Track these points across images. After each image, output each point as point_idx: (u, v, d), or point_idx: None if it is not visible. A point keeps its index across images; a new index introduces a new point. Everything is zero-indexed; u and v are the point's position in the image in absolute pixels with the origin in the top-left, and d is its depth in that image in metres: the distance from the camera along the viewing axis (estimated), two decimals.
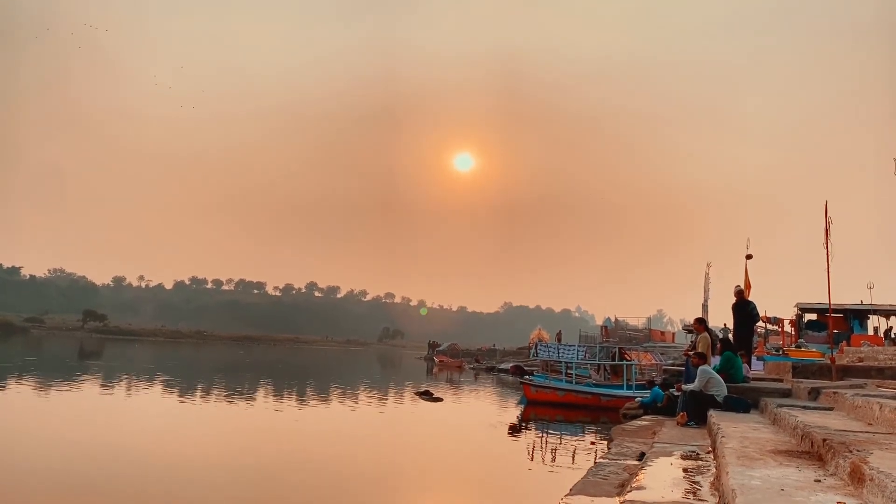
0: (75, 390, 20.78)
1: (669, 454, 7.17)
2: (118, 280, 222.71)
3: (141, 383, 24.84)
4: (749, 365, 13.04)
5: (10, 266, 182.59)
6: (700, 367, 10.63)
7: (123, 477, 8.93)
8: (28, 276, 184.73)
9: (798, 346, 19.23)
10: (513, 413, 20.69)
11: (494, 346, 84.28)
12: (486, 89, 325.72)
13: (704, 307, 22.22)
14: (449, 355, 69.01)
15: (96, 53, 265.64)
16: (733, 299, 14.00)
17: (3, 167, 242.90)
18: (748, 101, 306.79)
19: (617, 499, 5.50)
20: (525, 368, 39.68)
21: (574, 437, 15.50)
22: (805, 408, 7.67)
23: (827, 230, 11.50)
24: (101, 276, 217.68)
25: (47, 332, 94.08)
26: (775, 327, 25.74)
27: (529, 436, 15.74)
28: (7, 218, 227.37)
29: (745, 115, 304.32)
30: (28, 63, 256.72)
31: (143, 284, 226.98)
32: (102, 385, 22.97)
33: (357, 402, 22.01)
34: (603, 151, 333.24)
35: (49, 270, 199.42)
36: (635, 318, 43.23)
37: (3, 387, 20.30)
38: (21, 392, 19.17)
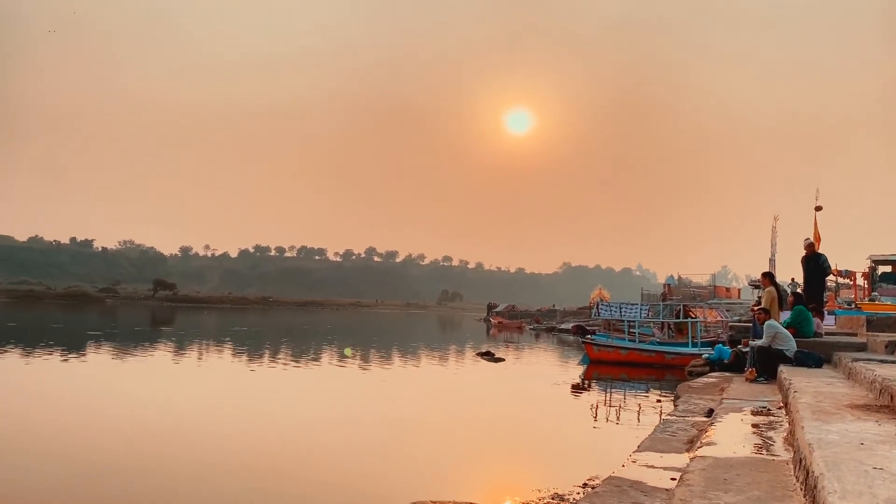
0: (158, 357, 21.75)
1: (739, 410, 7.10)
2: (185, 250, 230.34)
3: (221, 350, 25.80)
4: (821, 319, 12.66)
5: (83, 239, 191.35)
6: (766, 322, 10.38)
7: (199, 443, 9.38)
8: (100, 249, 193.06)
9: (871, 300, 18.51)
10: (575, 372, 20.70)
11: (554, 306, 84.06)
12: (541, 47, 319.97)
13: (772, 261, 21.66)
14: (507, 316, 69.10)
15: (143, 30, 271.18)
16: (802, 252, 13.59)
17: (72, 150, 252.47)
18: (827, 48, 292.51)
19: (687, 455, 5.48)
20: (586, 328, 39.50)
21: (639, 396, 15.44)
22: (882, 361, 7.44)
23: None
24: (168, 247, 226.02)
25: (121, 302, 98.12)
26: (847, 280, 24.83)
27: (593, 395, 15.74)
28: (78, 194, 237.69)
29: (820, 61, 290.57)
30: (87, 42, 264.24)
31: (209, 253, 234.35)
32: (179, 352, 23.94)
33: (420, 363, 22.41)
34: (665, 102, 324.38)
35: (119, 242, 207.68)
36: (699, 275, 42.45)
37: (87, 353, 21.42)
38: (106, 359, 20.19)
